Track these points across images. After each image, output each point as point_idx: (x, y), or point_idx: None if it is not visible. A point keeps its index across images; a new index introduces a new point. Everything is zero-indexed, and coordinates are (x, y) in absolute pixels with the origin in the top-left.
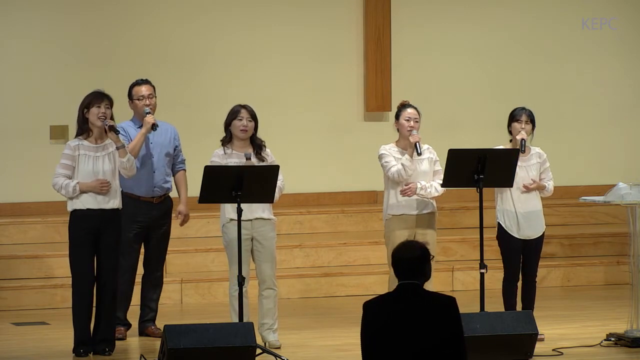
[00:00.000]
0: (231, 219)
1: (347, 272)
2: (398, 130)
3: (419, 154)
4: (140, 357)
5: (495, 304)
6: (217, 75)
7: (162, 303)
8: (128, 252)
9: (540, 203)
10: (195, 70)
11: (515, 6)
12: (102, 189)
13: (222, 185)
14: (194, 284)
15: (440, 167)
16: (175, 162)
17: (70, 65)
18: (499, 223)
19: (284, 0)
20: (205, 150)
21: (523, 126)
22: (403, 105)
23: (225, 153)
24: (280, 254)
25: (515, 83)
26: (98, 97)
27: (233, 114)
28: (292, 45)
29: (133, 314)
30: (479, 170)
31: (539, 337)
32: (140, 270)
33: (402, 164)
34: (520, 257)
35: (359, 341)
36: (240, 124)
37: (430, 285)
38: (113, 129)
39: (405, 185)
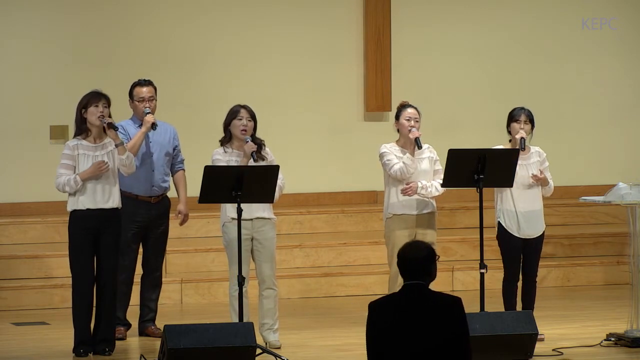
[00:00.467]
0: (232, 218)
1: (347, 272)
2: (398, 130)
3: (419, 148)
4: (140, 357)
5: (495, 304)
6: (217, 75)
7: (162, 303)
8: (126, 251)
9: (540, 203)
10: (195, 70)
11: (515, 6)
12: (101, 170)
13: (222, 185)
14: (194, 284)
15: (440, 167)
16: (175, 162)
17: (70, 65)
18: (499, 222)
19: (283, 0)
20: (206, 150)
21: (522, 126)
22: (403, 106)
23: (225, 152)
24: (280, 254)
25: (515, 83)
26: (95, 97)
27: (233, 114)
28: (292, 45)
29: (133, 314)
30: (479, 170)
31: (539, 337)
32: (139, 270)
33: (404, 162)
34: (521, 256)
35: (359, 341)
36: (240, 123)
37: (431, 285)
38: (112, 126)
39: (406, 185)
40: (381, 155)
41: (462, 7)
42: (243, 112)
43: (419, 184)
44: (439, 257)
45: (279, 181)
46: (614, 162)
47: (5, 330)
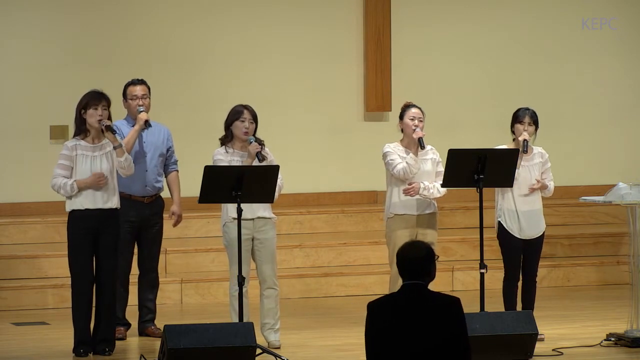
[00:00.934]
0: (234, 218)
1: (347, 272)
2: (402, 130)
3: (423, 148)
4: (140, 357)
5: (495, 304)
6: (217, 75)
7: (162, 303)
8: (121, 252)
9: (540, 203)
10: (195, 70)
11: (515, 6)
12: (99, 182)
13: (222, 185)
14: (194, 284)
15: (442, 169)
16: (168, 163)
17: (70, 66)
18: (499, 222)
19: (283, 0)
20: (205, 151)
21: (526, 127)
22: (407, 106)
23: (227, 152)
24: (280, 254)
25: (515, 83)
26: (95, 98)
27: (235, 115)
28: (292, 45)
29: (133, 314)
30: (479, 170)
31: (539, 337)
32: (135, 270)
33: (407, 162)
34: (521, 256)
35: (359, 341)
36: (242, 125)
37: (431, 285)
38: (110, 128)
39: (409, 185)
40: (384, 155)
41: (462, 7)
42: (246, 114)
43: (421, 185)
44: (438, 257)
45: (278, 181)
46: (614, 162)
47: (5, 330)
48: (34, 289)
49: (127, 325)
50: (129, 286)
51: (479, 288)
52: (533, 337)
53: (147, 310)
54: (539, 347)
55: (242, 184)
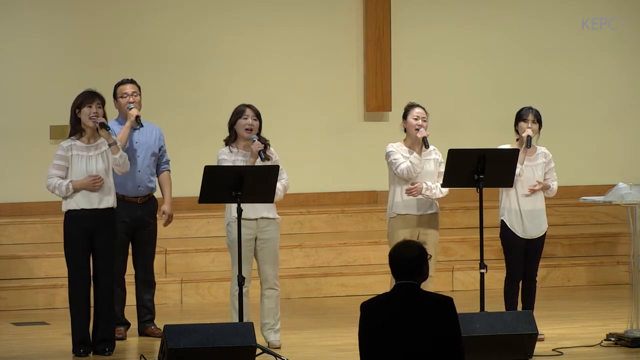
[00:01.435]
0: (237, 218)
1: (347, 272)
2: (405, 130)
3: (427, 147)
4: (140, 357)
5: (495, 303)
6: (218, 76)
7: (162, 303)
8: (116, 252)
9: (543, 202)
10: (195, 70)
11: (515, 6)
12: (94, 184)
13: (222, 185)
14: (194, 284)
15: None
16: (160, 163)
17: (71, 66)
18: (502, 221)
19: (284, 0)
20: (205, 151)
21: (530, 125)
22: (411, 105)
23: (231, 152)
24: (281, 254)
25: (515, 83)
26: (89, 97)
27: (238, 114)
28: (292, 46)
29: (132, 314)
30: (479, 170)
31: (539, 337)
32: (130, 270)
33: (411, 162)
34: (523, 256)
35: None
36: (245, 122)
37: (431, 285)
38: (104, 126)
39: (411, 185)
40: (387, 155)
41: (462, 7)
42: (248, 112)
43: (424, 185)
44: (430, 256)
45: (283, 181)
46: (614, 162)
47: (5, 330)
48: (34, 289)
49: (127, 325)
50: (126, 286)
51: (479, 288)
52: (533, 337)
53: (146, 310)
54: (539, 347)
55: (242, 184)
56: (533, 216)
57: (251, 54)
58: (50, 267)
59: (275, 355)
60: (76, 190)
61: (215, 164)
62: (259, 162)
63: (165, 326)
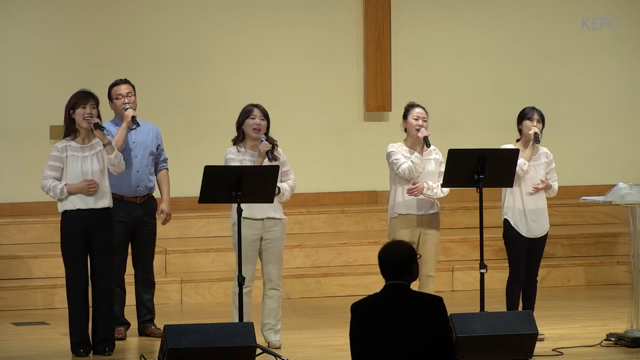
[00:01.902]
0: (244, 217)
1: (347, 272)
2: (406, 130)
3: (428, 146)
4: (140, 357)
5: (495, 303)
6: (217, 76)
7: (162, 303)
8: (115, 252)
9: (545, 201)
10: (195, 70)
11: (515, 6)
12: (89, 189)
13: (222, 185)
14: (194, 284)
15: None
16: (158, 161)
17: (71, 66)
18: (506, 220)
19: (284, 0)
20: (205, 151)
21: (535, 124)
22: (411, 105)
23: (238, 151)
24: None
25: (515, 83)
26: (83, 98)
27: (246, 113)
28: (292, 46)
29: (132, 314)
30: (479, 170)
31: (539, 337)
32: (130, 270)
33: (412, 162)
34: (526, 255)
35: None
36: (253, 122)
37: (431, 285)
38: (98, 126)
39: (413, 185)
40: (389, 155)
41: (462, 7)
42: (256, 111)
43: (425, 185)
44: (420, 256)
45: (290, 182)
46: (614, 162)
47: (5, 330)
48: (34, 289)
49: (127, 325)
50: (126, 286)
51: (479, 288)
52: (533, 337)
53: (146, 310)
54: (539, 347)
55: (242, 184)
56: (537, 215)
57: (251, 54)
58: (50, 267)
59: (275, 355)
60: (71, 194)
61: (217, 163)
62: (266, 163)
63: (165, 326)
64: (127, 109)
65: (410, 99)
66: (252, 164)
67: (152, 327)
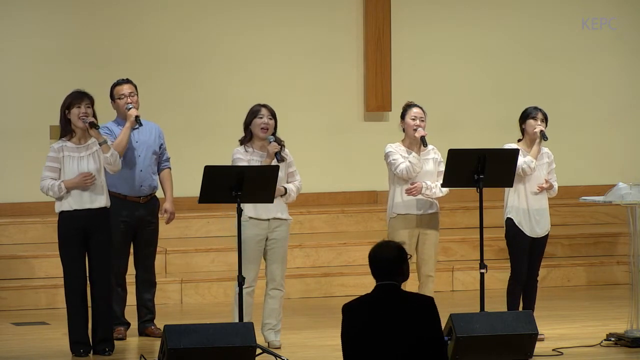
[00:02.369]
0: (250, 217)
1: (347, 272)
2: (404, 130)
3: (425, 146)
4: (140, 357)
5: (495, 303)
6: (217, 76)
7: (162, 303)
8: (117, 252)
9: (547, 201)
10: (195, 70)
11: (515, 6)
12: (86, 182)
13: (222, 185)
14: (194, 284)
15: (444, 168)
16: (161, 161)
17: (71, 66)
18: (509, 219)
19: (284, 0)
20: (205, 151)
21: (539, 123)
22: (409, 105)
23: (246, 151)
24: None
25: (515, 83)
26: (78, 97)
27: (253, 113)
28: (292, 46)
29: (132, 314)
30: (479, 170)
31: (539, 337)
32: (131, 270)
33: (410, 162)
34: (528, 255)
35: None
36: (261, 122)
37: (431, 285)
38: (93, 125)
39: (411, 185)
40: (387, 155)
41: (462, 7)
42: (264, 111)
43: (424, 185)
44: (410, 256)
45: (297, 183)
46: (614, 162)
47: (5, 330)
48: (34, 289)
49: (127, 325)
50: (127, 286)
51: (479, 288)
52: (533, 337)
53: (146, 310)
54: (539, 347)
55: (242, 184)
56: (540, 215)
57: (251, 54)
58: (50, 267)
59: (275, 355)
60: (69, 190)
61: (217, 163)
62: (274, 164)
63: (165, 326)
64: (130, 108)
65: (410, 99)
66: (260, 165)
67: (152, 327)
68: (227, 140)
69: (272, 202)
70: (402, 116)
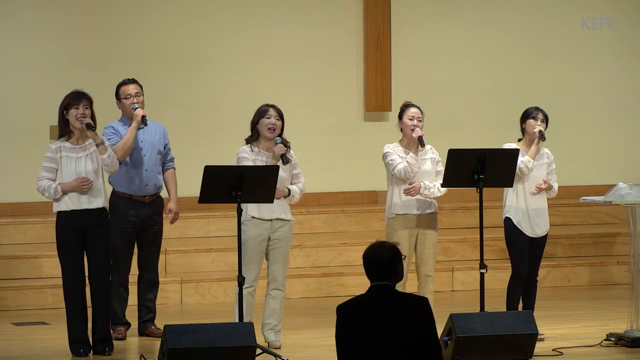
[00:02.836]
0: (253, 217)
1: (347, 272)
2: (402, 130)
3: (423, 146)
4: (140, 357)
5: (495, 303)
6: (217, 76)
7: (162, 303)
8: (122, 252)
9: (546, 201)
10: (195, 70)
11: (515, 6)
12: (82, 187)
13: (222, 185)
14: (194, 284)
15: (442, 168)
16: (165, 161)
17: (70, 66)
18: (508, 219)
19: (284, 0)
20: (205, 151)
21: (539, 123)
22: (406, 105)
23: (252, 151)
24: None
25: (515, 83)
26: (76, 98)
27: (261, 113)
28: (292, 46)
29: (133, 313)
30: (479, 170)
31: (539, 337)
32: (134, 270)
33: (408, 162)
34: (527, 255)
35: None
36: (268, 121)
37: (431, 286)
38: (90, 126)
39: (409, 185)
40: (384, 155)
41: (461, 7)
42: (272, 111)
43: (422, 184)
44: (405, 256)
45: (300, 184)
46: (614, 162)
47: (5, 330)
48: (34, 289)
49: (127, 325)
50: (129, 286)
51: (479, 288)
52: (533, 337)
53: (147, 310)
54: (539, 347)
55: (242, 184)
56: (539, 214)
57: (251, 54)
58: (50, 267)
59: (275, 355)
60: (65, 193)
61: (217, 163)
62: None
63: (165, 326)
64: (137, 108)
65: (410, 99)
66: (265, 165)
67: (152, 327)
68: (227, 140)
69: (272, 202)
70: (400, 116)
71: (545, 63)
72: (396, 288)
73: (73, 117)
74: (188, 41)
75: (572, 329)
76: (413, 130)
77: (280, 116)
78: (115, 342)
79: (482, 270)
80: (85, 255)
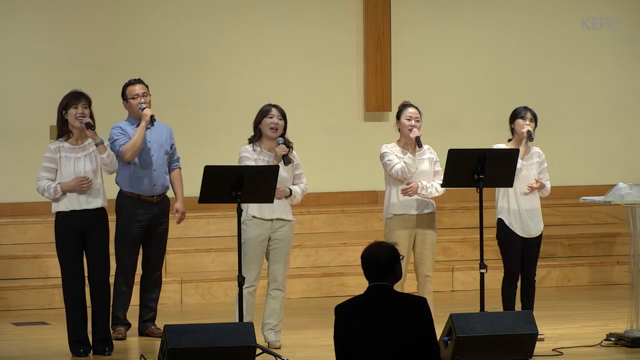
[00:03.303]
0: (253, 216)
1: (347, 272)
2: (399, 130)
3: (420, 146)
4: (140, 357)
5: (495, 303)
6: (217, 76)
7: (162, 303)
8: (129, 251)
9: (539, 201)
10: (195, 70)
11: (515, 6)
12: (82, 186)
13: (222, 185)
14: (194, 284)
15: (440, 168)
16: (171, 161)
17: (71, 65)
18: (500, 220)
19: (284, 0)
20: (206, 151)
21: (528, 123)
22: (404, 105)
23: (254, 150)
24: None
25: (515, 83)
26: (75, 98)
27: (263, 113)
28: (292, 46)
29: (133, 313)
30: (479, 170)
31: (539, 337)
32: (138, 270)
33: (405, 162)
34: (520, 255)
35: None
36: (271, 121)
37: (430, 286)
38: (89, 125)
39: (407, 185)
40: (382, 155)
41: (461, 7)
42: (274, 111)
43: (420, 185)
44: (403, 257)
45: (302, 185)
46: (614, 162)
47: (5, 330)
48: (34, 289)
49: (128, 326)
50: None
51: (479, 288)
52: (533, 337)
53: (149, 309)
54: (539, 347)
55: (242, 184)
56: (531, 215)
57: (251, 54)
58: (50, 267)
59: (275, 355)
60: (64, 192)
61: (217, 163)
62: (281, 165)
63: (165, 326)
64: (144, 108)
65: (410, 99)
66: (267, 165)
67: (152, 327)
68: (227, 140)
69: (272, 202)
70: (398, 116)
71: (545, 63)
72: (394, 288)
73: (72, 116)
74: (188, 41)
75: (572, 329)
76: (410, 130)
77: (283, 116)
78: (115, 342)
79: (482, 270)
80: (84, 256)
